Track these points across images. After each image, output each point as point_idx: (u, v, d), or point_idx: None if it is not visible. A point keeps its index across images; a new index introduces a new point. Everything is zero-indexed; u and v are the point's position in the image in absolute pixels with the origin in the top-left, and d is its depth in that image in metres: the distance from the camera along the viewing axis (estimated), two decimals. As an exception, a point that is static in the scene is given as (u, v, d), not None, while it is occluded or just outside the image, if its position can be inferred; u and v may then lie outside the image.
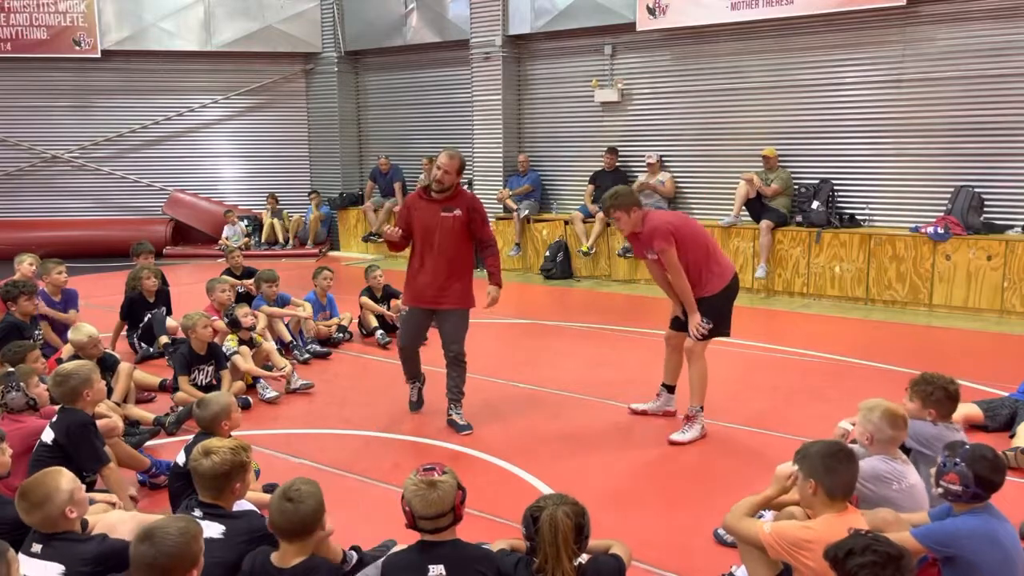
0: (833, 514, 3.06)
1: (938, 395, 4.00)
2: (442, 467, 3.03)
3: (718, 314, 5.47)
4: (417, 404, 6.25)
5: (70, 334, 6.21)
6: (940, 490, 3.19)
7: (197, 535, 2.81)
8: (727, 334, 5.62)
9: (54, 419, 4.25)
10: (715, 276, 5.46)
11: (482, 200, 6.01)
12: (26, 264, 7.70)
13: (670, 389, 6.02)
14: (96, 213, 15.07)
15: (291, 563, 3.00)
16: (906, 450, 3.84)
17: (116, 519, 3.55)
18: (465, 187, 6.32)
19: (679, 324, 5.72)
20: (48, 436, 4.17)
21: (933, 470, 3.26)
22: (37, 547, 3.10)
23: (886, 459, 3.62)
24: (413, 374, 6.19)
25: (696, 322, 5.43)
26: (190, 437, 4.39)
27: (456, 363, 5.86)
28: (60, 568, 3.02)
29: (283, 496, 3.00)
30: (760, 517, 3.48)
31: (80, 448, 4.08)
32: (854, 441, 3.86)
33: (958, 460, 3.12)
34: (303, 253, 14.33)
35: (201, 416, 4.18)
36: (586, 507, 2.95)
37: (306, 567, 3.00)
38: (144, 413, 5.88)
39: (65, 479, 3.15)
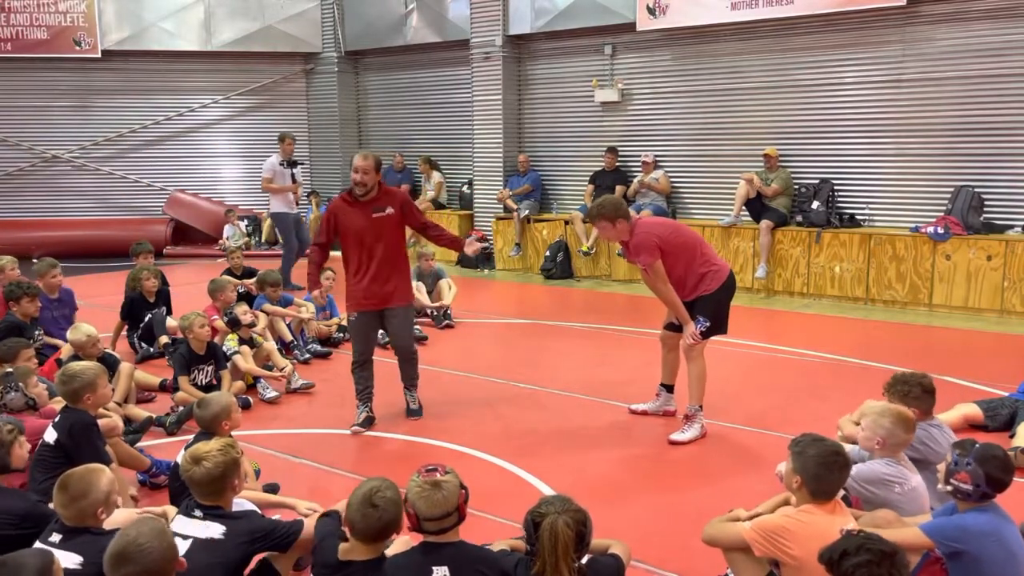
0: (815, 505, 3.08)
1: (916, 392, 4.01)
2: (444, 467, 3.02)
3: (715, 312, 5.48)
4: (365, 424, 5.85)
5: (69, 334, 6.20)
6: (949, 488, 3.19)
7: (164, 530, 2.82)
8: (725, 331, 5.62)
9: (57, 419, 4.25)
10: (710, 276, 5.47)
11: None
12: (8, 269, 7.60)
13: (669, 389, 6.02)
14: (96, 213, 15.06)
15: (360, 558, 2.99)
16: None
17: (123, 518, 3.55)
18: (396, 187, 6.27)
19: (674, 325, 5.73)
20: (51, 436, 4.17)
21: (942, 466, 3.26)
22: (56, 537, 3.14)
23: (890, 462, 3.62)
24: (367, 390, 5.96)
25: (691, 331, 5.44)
26: (190, 437, 4.40)
27: (408, 358, 6.04)
28: (78, 559, 3.05)
29: (368, 501, 2.95)
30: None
31: (81, 449, 4.08)
32: (853, 441, 3.87)
33: (970, 460, 3.13)
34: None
35: (202, 416, 4.18)
36: (587, 511, 2.94)
37: (371, 566, 3.00)
38: (143, 413, 5.88)
39: (105, 480, 3.22)
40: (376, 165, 5.65)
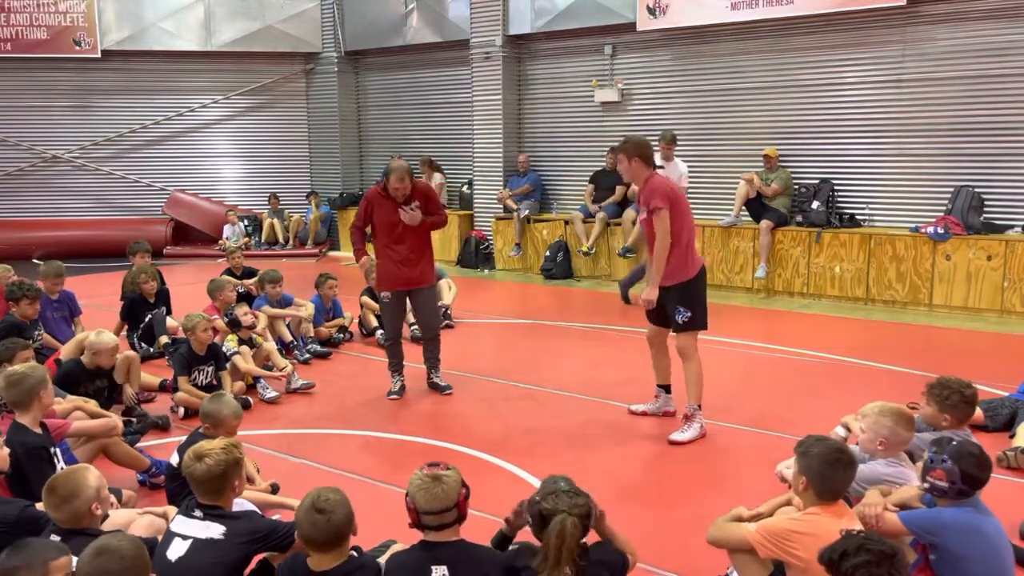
0: (822, 507, 3.08)
1: (954, 399, 3.95)
2: (446, 464, 3.03)
3: (695, 301, 5.51)
4: (400, 392, 6.56)
5: (93, 336, 5.93)
6: (926, 485, 3.20)
7: (141, 549, 2.82)
8: (705, 326, 5.61)
9: (6, 435, 4.07)
10: (692, 262, 5.53)
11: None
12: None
13: (666, 389, 6.02)
14: (96, 213, 15.07)
15: (331, 566, 2.94)
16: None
17: (124, 519, 3.55)
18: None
19: (657, 318, 5.72)
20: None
21: (919, 464, 3.25)
22: (55, 539, 3.12)
23: (891, 462, 3.62)
24: (399, 363, 6.63)
25: (647, 296, 5.52)
26: (184, 437, 4.39)
27: (434, 338, 6.65)
28: (76, 560, 3.03)
29: (313, 508, 2.91)
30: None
31: (34, 476, 3.97)
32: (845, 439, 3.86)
33: (945, 457, 3.13)
34: (303, 253, 14.33)
35: (207, 410, 4.18)
36: (589, 496, 2.96)
37: (349, 568, 2.96)
38: (152, 378, 6.26)
39: (92, 476, 3.23)
40: (409, 173, 6.29)
